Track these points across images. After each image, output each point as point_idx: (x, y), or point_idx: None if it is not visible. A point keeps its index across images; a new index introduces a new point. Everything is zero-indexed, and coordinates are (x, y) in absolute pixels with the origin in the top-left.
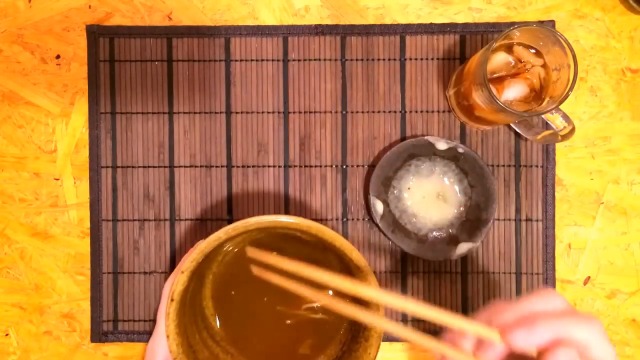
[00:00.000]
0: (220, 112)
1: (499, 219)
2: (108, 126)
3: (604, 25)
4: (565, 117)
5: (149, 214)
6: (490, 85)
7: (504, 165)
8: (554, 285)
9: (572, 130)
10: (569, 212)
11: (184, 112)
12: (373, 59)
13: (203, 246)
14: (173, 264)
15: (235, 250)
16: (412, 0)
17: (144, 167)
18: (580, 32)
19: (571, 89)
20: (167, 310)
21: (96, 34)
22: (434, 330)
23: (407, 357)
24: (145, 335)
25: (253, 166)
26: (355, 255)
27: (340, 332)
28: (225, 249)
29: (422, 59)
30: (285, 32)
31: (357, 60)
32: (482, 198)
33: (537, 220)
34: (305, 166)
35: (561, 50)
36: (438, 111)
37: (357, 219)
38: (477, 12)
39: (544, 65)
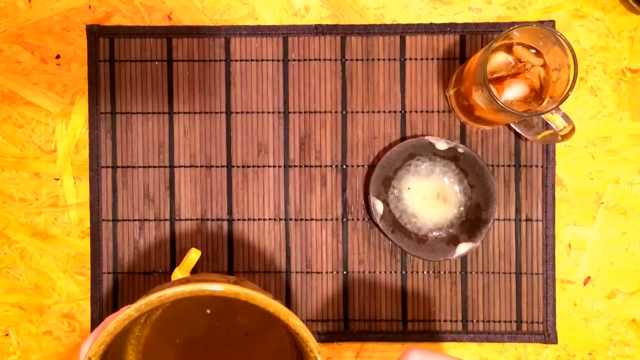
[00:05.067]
0: (220, 112)
1: (499, 219)
2: (108, 126)
3: (604, 25)
4: (565, 117)
5: (149, 214)
6: (490, 85)
7: (504, 165)
8: (553, 285)
9: (572, 130)
10: (569, 212)
11: (184, 112)
12: (373, 59)
13: (111, 327)
14: (173, 264)
15: (163, 308)
16: (412, 0)
17: (144, 167)
18: (580, 32)
19: (571, 89)
20: None
21: (96, 34)
22: (434, 331)
23: None
24: None
25: (253, 166)
26: (292, 320)
27: None
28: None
29: (422, 59)
30: (285, 32)
31: (357, 60)
32: (482, 198)
33: (537, 220)
34: (305, 166)
35: (561, 50)
36: (438, 111)
37: (357, 219)
38: (477, 12)
39: (544, 65)
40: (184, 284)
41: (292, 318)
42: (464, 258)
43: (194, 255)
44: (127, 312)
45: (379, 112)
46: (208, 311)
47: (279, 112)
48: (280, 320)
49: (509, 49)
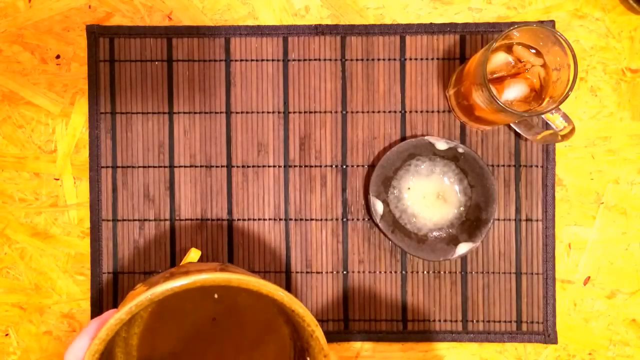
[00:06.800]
0: (220, 112)
1: (499, 219)
2: (108, 126)
3: (604, 25)
4: (565, 117)
5: (149, 214)
6: (490, 85)
7: (504, 165)
8: (553, 285)
9: (572, 130)
10: (569, 212)
11: (184, 112)
12: (373, 59)
13: (103, 334)
14: (173, 264)
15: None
16: (412, 0)
17: (144, 167)
18: (580, 32)
19: (571, 89)
20: None
21: (96, 34)
22: (434, 331)
23: (407, 357)
24: None
25: (253, 166)
26: (297, 306)
27: None
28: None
29: (422, 59)
30: (285, 32)
31: (357, 60)
32: (482, 198)
33: (537, 220)
34: (305, 166)
35: (561, 50)
36: (438, 111)
37: (357, 219)
38: (477, 12)
39: (544, 65)
40: (169, 279)
41: (287, 297)
42: (464, 258)
43: (194, 255)
44: (118, 316)
45: (379, 112)
46: (216, 295)
47: (279, 112)
48: (274, 300)
49: (509, 49)
